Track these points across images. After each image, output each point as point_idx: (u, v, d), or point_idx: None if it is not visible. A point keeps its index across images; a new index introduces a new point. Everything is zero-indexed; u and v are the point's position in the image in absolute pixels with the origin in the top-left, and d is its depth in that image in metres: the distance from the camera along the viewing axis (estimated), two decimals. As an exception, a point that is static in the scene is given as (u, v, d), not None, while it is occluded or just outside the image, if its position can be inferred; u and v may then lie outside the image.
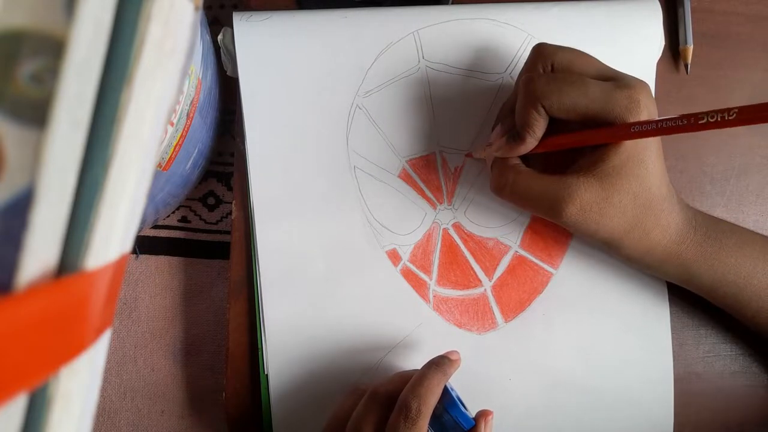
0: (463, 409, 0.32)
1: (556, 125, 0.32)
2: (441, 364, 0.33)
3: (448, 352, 0.34)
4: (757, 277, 0.34)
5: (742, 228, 0.35)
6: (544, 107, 0.30)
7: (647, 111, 0.30)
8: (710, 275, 0.34)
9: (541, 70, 0.32)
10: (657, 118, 0.28)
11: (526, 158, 0.35)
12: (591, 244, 0.38)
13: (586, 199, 0.31)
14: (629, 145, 0.31)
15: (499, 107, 0.37)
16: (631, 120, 0.29)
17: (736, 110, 0.24)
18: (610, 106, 0.30)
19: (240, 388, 0.38)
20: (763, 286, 0.34)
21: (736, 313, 0.36)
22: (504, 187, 0.33)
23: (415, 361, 0.37)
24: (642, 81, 0.31)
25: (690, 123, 0.26)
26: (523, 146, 0.32)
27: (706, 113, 0.26)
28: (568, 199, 0.31)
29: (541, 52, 0.33)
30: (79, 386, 0.16)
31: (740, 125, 0.25)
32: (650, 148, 0.31)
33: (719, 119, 0.25)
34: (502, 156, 0.34)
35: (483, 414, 0.32)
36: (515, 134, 0.32)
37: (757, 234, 0.35)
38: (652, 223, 0.32)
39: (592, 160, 0.31)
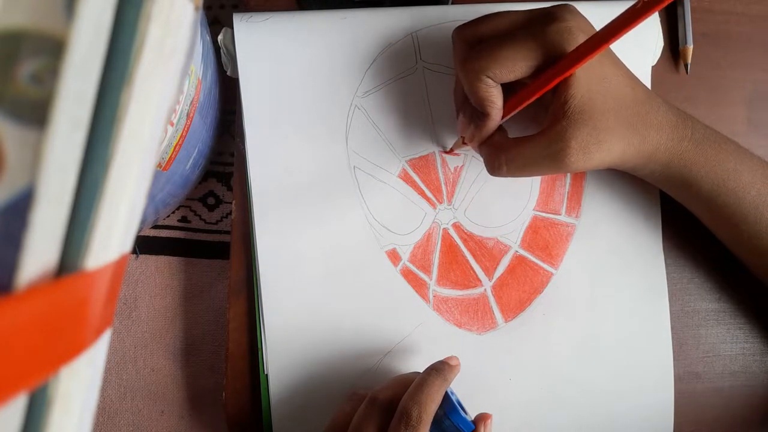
0: (463, 413, 0.32)
1: (508, 84, 0.32)
2: (441, 369, 0.32)
3: (447, 358, 0.34)
4: (756, 188, 0.33)
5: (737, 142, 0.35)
6: (489, 78, 0.31)
7: (581, 32, 0.30)
8: (710, 179, 0.33)
9: (469, 48, 0.32)
10: (593, 34, 0.29)
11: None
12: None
13: (579, 140, 0.31)
14: (584, 72, 0.30)
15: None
16: (571, 48, 0.29)
17: None
18: (546, 48, 0.30)
19: (240, 388, 0.38)
20: (762, 199, 0.33)
21: (733, 233, 0.35)
22: (501, 167, 0.33)
23: (414, 361, 0.37)
24: (561, 5, 0.31)
25: (625, 18, 0.27)
26: (491, 121, 0.32)
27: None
28: (565, 147, 0.31)
29: (461, 33, 0.33)
30: (79, 386, 0.16)
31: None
32: (605, 63, 0.31)
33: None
34: (479, 141, 0.34)
35: (482, 417, 0.32)
36: (479, 115, 0.32)
37: (749, 151, 0.35)
38: (643, 125, 0.32)
39: (561, 102, 0.31)
